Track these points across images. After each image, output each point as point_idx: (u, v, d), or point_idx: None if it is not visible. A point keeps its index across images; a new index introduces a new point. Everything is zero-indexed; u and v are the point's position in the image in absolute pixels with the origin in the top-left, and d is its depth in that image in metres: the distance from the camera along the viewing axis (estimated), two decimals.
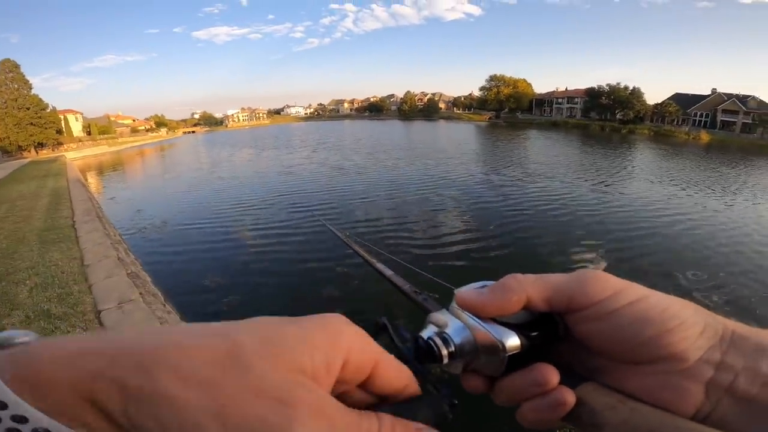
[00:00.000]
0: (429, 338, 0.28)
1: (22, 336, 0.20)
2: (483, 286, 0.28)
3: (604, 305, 0.25)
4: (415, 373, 0.25)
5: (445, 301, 0.30)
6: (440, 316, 0.29)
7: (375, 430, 0.21)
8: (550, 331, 0.28)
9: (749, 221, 10.42)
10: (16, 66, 35.85)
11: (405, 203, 11.63)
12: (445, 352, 0.27)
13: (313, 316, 0.22)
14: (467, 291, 0.28)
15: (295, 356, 0.19)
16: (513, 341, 0.26)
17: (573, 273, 0.27)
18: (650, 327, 0.24)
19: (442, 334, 0.28)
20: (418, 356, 0.28)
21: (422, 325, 0.30)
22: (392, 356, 0.25)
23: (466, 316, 0.28)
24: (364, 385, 0.23)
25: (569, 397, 0.25)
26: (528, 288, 0.27)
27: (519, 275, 0.28)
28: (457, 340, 0.27)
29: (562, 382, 0.26)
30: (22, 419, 0.16)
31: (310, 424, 0.18)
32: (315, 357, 0.20)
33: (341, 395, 0.22)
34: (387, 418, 0.22)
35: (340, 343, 0.21)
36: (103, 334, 0.20)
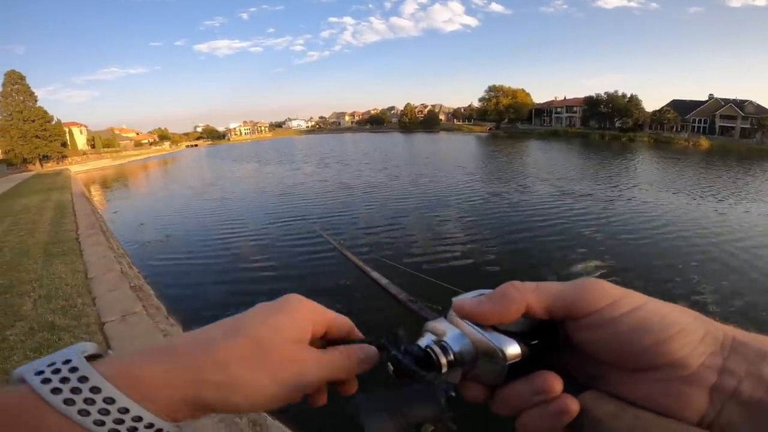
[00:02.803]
0: (427, 346, 0.28)
1: (91, 348, 0.26)
2: (480, 295, 0.28)
3: (604, 313, 0.25)
4: (418, 378, 0.27)
5: (441, 310, 0.30)
6: (438, 324, 0.29)
7: (339, 355, 0.32)
8: (550, 339, 0.27)
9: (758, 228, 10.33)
10: (22, 77, 35.66)
11: (415, 217, 11.64)
12: (443, 360, 0.27)
13: (282, 301, 0.32)
14: (465, 299, 0.28)
15: (290, 333, 0.30)
16: (513, 349, 0.26)
17: (572, 281, 0.27)
18: (650, 334, 0.24)
19: (440, 342, 0.28)
20: (417, 365, 0.28)
21: (419, 334, 0.30)
22: (338, 315, 0.35)
23: (465, 324, 0.27)
24: (325, 336, 0.34)
25: (573, 405, 0.25)
26: (527, 296, 0.27)
27: (518, 283, 0.28)
28: (455, 348, 0.27)
29: (564, 390, 0.26)
30: (139, 418, 0.23)
31: (314, 365, 0.30)
32: (298, 329, 0.31)
33: (312, 344, 0.32)
34: (342, 348, 0.33)
35: (308, 317, 0.32)
36: (177, 349, 0.27)
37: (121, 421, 0.23)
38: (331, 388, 0.33)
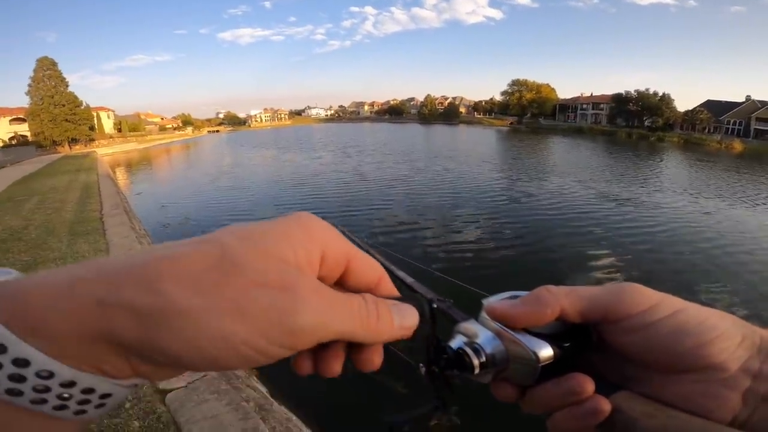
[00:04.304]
0: (459, 348, 0.28)
1: (3, 274, 0.19)
2: (512, 297, 0.28)
3: (642, 317, 0.25)
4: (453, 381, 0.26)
5: (468, 306, 0.30)
6: (469, 326, 0.29)
7: (363, 305, 0.23)
8: (582, 342, 0.27)
9: None
10: (54, 64, 36.92)
11: (437, 214, 11.46)
12: (476, 362, 0.27)
13: (286, 216, 0.23)
14: (498, 301, 0.28)
15: (279, 250, 0.20)
16: (546, 352, 0.26)
17: (608, 285, 0.27)
18: (689, 338, 0.24)
19: (472, 344, 0.27)
20: (448, 366, 0.28)
21: (450, 335, 0.29)
22: (364, 252, 0.25)
23: (497, 326, 0.27)
24: (341, 283, 0.24)
25: (604, 405, 0.25)
26: (562, 300, 0.27)
27: (552, 287, 0.27)
28: (488, 349, 0.27)
29: (596, 391, 0.26)
30: (25, 362, 0.15)
31: (313, 301, 0.20)
32: (297, 251, 0.21)
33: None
34: (368, 296, 0.23)
35: (316, 238, 0.22)
36: (91, 262, 0.18)
37: (20, 377, 0.16)
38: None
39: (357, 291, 0.24)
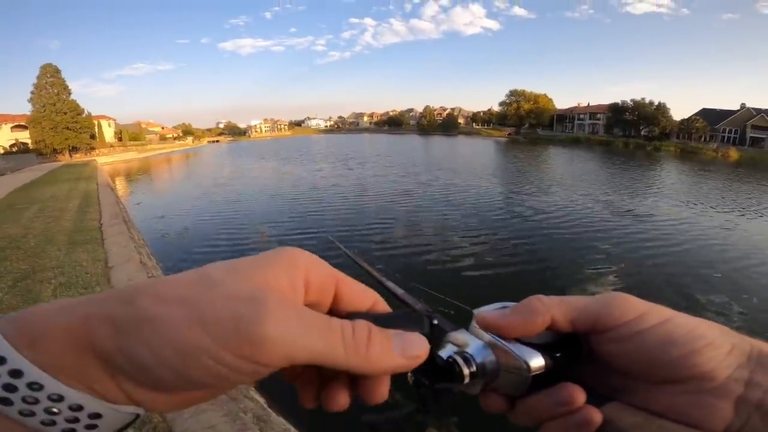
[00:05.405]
0: (449, 357, 0.27)
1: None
2: (503, 307, 0.28)
3: (630, 326, 0.25)
4: (443, 389, 0.25)
5: (458, 323, 0.30)
6: (459, 335, 0.28)
7: (349, 328, 0.21)
8: (573, 352, 0.27)
9: None
10: (57, 71, 36.97)
11: (435, 228, 11.54)
12: (466, 371, 0.26)
13: (270, 251, 0.23)
14: (489, 311, 0.28)
15: (258, 276, 0.21)
16: (537, 361, 0.26)
17: (598, 295, 0.27)
18: (677, 347, 0.24)
19: (463, 354, 0.27)
20: (435, 375, 0.27)
21: (439, 345, 0.29)
22: (353, 279, 0.25)
23: (488, 336, 0.27)
24: (334, 311, 0.24)
25: (596, 416, 0.25)
26: (552, 309, 0.27)
27: (543, 297, 0.28)
28: (479, 359, 0.27)
29: (587, 402, 0.26)
30: (18, 373, 0.16)
31: (279, 312, 0.19)
32: (277, 276, 0.21)
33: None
34: (363, 322, 0.22)
35: (298, 264, 0.22)
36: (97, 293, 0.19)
37: (9, 387, 0.17)
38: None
39: (352, 318, 0.23)
